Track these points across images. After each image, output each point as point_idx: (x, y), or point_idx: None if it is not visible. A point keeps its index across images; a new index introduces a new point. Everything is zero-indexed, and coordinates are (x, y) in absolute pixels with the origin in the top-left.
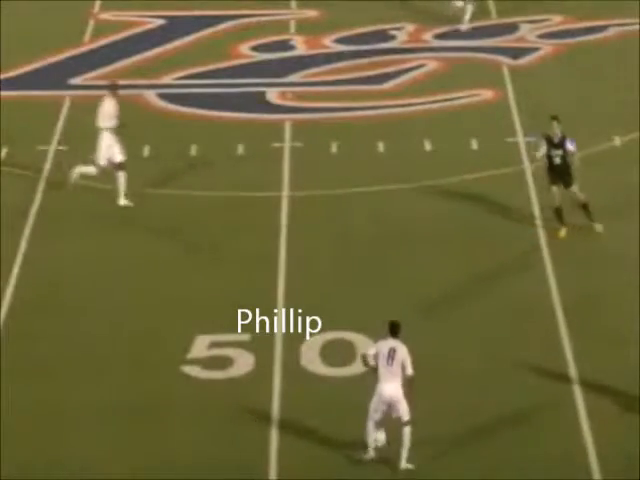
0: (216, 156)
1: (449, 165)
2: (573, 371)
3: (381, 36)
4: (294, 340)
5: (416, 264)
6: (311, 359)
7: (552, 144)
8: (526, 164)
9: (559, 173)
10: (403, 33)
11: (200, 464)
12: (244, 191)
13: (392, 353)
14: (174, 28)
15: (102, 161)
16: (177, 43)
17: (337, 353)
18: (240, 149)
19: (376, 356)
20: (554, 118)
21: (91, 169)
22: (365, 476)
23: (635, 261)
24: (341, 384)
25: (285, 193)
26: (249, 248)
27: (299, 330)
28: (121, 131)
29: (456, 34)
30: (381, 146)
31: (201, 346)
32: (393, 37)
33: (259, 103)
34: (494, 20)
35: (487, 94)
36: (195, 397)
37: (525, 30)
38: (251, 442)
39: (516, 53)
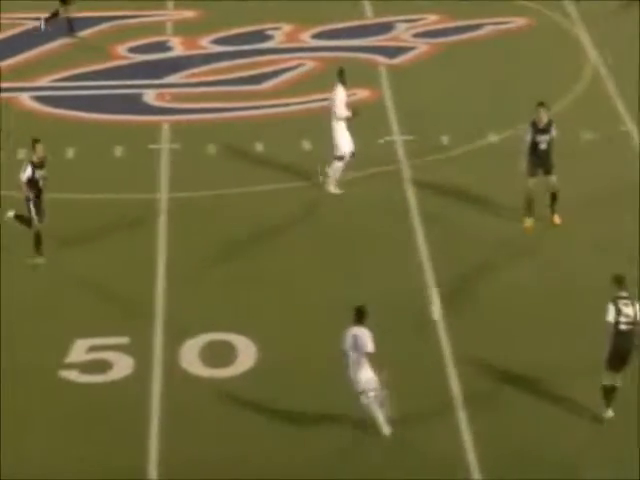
0: (93, 159)
1: (326, 164)
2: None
3: (258, 36)
4: (174, 342)
5: (294, 264)
6: (191, 361)
7: (537, 129)
8: (403, 160)
9: (543, 159)
10: (280, 33)
11: (81, 468)
12: (122, 193)
13: (355, 339)
14: (51, 29)
15: None
16: (54, 45)
17: (217, 354)
18: (118, 151)
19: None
20: (541, 104)
21: None
22: (248, 475)
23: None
24: (222, 385)
25: (164, 195)
26: (127, 250)
27: (179, 332)
28: None
29: (333, 34)
30: (259, 146)
31: (79, 350)
32: (270, 37)
33: (136, 105)
34: (370, 20)
35: (364, 93)
36: (74, 401)
37: (401, 29)
38: (132, 444)
39: (392, 52)
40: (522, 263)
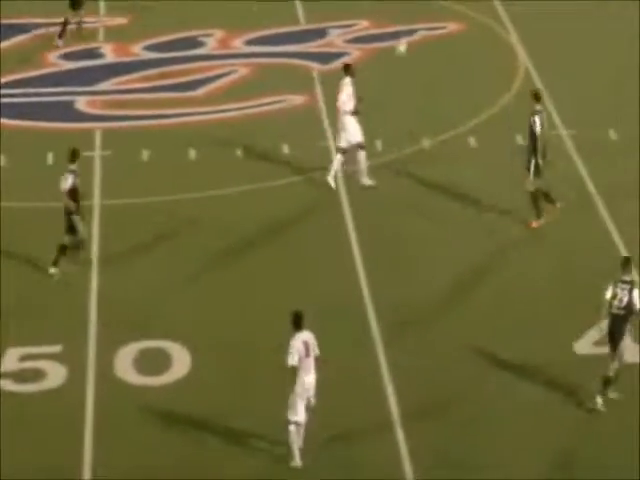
0: (25, 166)
1: (260, 170)
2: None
3: (191, 43)
4: (107, 350)
5: (235, 269)
6: (125, 369)
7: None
8: (336, 165)
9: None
10: (213, 39)
11: (14, 475)
12: (54, 201)
13: (307, 345)
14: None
15: None
16: None
17: (151, 362)
18: (50, 158)
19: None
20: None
21: None
22: None
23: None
24: (156, 393)
25: (96, 202)
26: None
27: (112, 340)
28: None
29: (266, 40)
30: (192, 153)
31: (12, 359)
32: (203, 43)
33: (68, 112)
34: (303, 25)
35: (297, 99)
36: (7, 410)
37: (333, 35)
38: (65, 453)
39: (325, 57)
40: (466, 276)
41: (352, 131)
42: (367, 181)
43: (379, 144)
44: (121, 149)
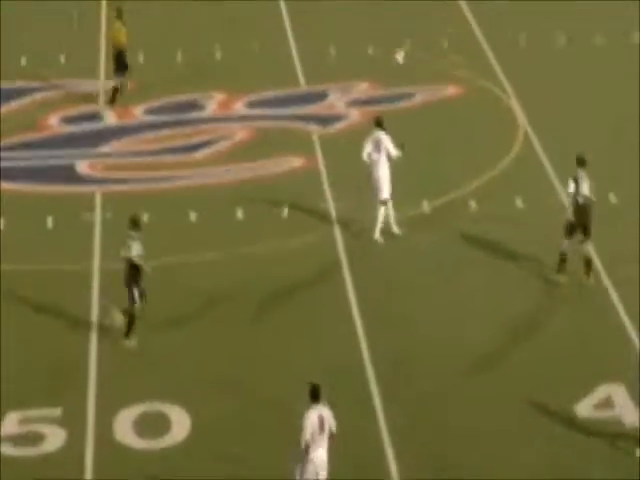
0: (25, 229)
1: (260, 233)
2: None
3: (191, 105)
4: (106, 414)
5: (230, 334)
6: (125, 432)
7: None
8: (336, 229)
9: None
10: (213, 102)
11: None
12: (54, 264)
13: (322, 420)
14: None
15: None
16: None
17: (151, 425)
18: (49, 222)
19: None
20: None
21: None
22: None
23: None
24: (156, 456)
25: (96, 265)
26: (60, 321)
27: (112, 403)
28: None
29: (266, 102)
30: (193, 215)
31: (11, 423)
32: (203, 106)
33: (69, 174)
34: (303, 88)
35: (298, 161)
36: (7, 475)
37: (334, 97)
38: None
39: (325, 120)
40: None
41: (387, 184)
42: (379, 237)
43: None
44: (121, 212)
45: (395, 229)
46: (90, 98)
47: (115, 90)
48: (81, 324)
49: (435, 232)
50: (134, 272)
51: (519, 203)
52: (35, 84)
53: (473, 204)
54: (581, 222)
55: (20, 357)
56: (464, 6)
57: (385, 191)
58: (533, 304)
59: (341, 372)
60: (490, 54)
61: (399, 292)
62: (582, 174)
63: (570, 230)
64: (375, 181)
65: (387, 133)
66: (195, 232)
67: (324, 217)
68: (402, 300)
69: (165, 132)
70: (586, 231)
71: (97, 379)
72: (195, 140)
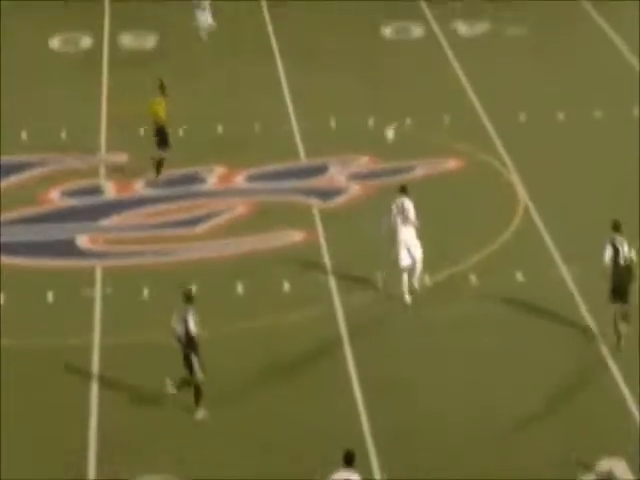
0: (25, 304)
1: (261, 307)
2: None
3: (192, 179)
4: None
5: (234, 409)
6: None
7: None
8: (337, 303)
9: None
10: (214, 176)
11: None
12: (55, 339)
13: None
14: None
15: None
16: None
17: None
18: (50, 297)
19: None
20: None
21: None
22: None
23: None
24: None
25: (96, 340)
26: (60, 398)
27: (112, 474)
28: None
29: (267, 176)
30: (193, 289)
31: None
32: (204, 180)
33: (69, 249)
34: (303, 161)
35: (298, 235)
36: None
37: (334, 171)
38: None
39: (326, 194)
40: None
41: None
42: (408, 299)
43: (379, 279)
44: (122, 286)
45: (407, 298)
46: (91, 172)
47: (159, 163)
48: (82, 399)
49: (436, 306)
50: (191, 343)
51: (519, 277)
52: (35, 158)
53: (474, 278)
54: (622, 285)
55: (20, 432)
56: (464, 81)
57: (407, 257)
58: (536, 376)
59: (341, 445)
60: (490, 128)
61: (400, 364)
62: (619, 238)
63: (614, 295)
64: (398, 247)
65: (411, 200)
66: (195, 306)
67: (324, 291)
68: (404, 372)
69: (165, 206)
70: (626, 295)
71: (97, 453)
72: (195, 214)
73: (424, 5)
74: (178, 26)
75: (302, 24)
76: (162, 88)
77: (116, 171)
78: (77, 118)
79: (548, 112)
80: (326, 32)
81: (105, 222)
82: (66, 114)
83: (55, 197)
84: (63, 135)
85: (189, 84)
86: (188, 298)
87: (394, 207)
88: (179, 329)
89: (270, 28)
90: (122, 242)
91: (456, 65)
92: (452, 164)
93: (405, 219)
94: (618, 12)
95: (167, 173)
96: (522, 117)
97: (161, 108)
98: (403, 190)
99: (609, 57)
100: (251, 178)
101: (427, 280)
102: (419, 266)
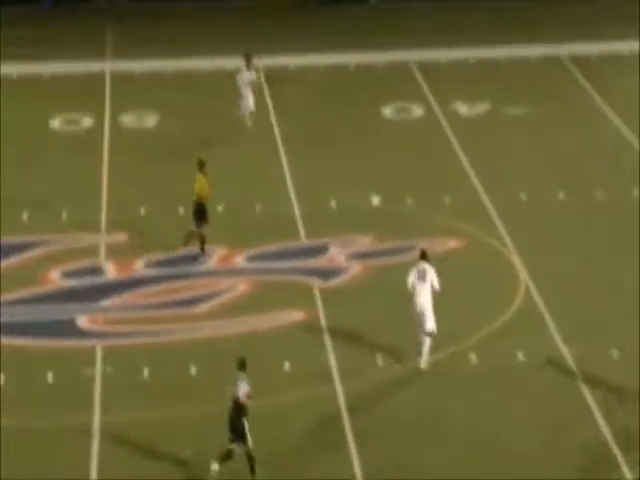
0: (25, 384)
1: (261, 387)
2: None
3: (192, 259)
4: None
5: None
6: None
7: None
8: (337, 382)
9: None
10: (214, 255)
11: None
12: (55, 419)
13: None
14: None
15: None
16: None
17: None
18: (50, 377)
19: None
20: None
21: None
22: None
23: None
24: None
25: (97, 419)
26: (60, 478)
27: None
28: None
29: (267, 256)
30: (193, 369)
31: None
32: (204, 260)
33: (69, 329)
34: (304, 241)
35: (298, 315)
36: None
37: (335, 251)
38: None
39: (326, 274)
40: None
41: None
42: (424, 364)
43: (380, 359)
44: (122, 366)
45: (422, 363)
46: (91, 252)
47: (202, 239)
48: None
49: (436, 386)
50: (241, 411)
51: (520, 357)
52: (36, 238)
53: (474, 357)
54: None
55: None
56: (465, 160)
57: (430, 322)
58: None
59: None
60: (491, 207)
61: (401, 443)
62: None
63: None
64: (419, 312)
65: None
66: (195, 386)
67: (325, 371)
68: (404, 451)
69: (166, 286)
70: None
71: None
72: (196, 293)
73: (424, 86)
74: (179, 106)
75: (302, 105)
76: (201, 166)
77: (116, 251)
78: (78, 198)
79: (548, 191)
80: (327, 113)
81: (105, 302)
82: (66, 194)
83: (55, 277)
84: (64, 215)
85: (189, 164)
86: (241, 366)
87: (415, 272)
88: (232, 393)
89: (271, 111)
90: (122, 322)
91: (456, 145)
92: (453, 244)
93: (424, 284)
94: (617, 92)
95: (167, 253)
96: (523, 196)
97: (202, 185)
98: (423, 255)
99: (609, 137)
100: (252, 258)
101: (424, 365)
102: (428, 341)
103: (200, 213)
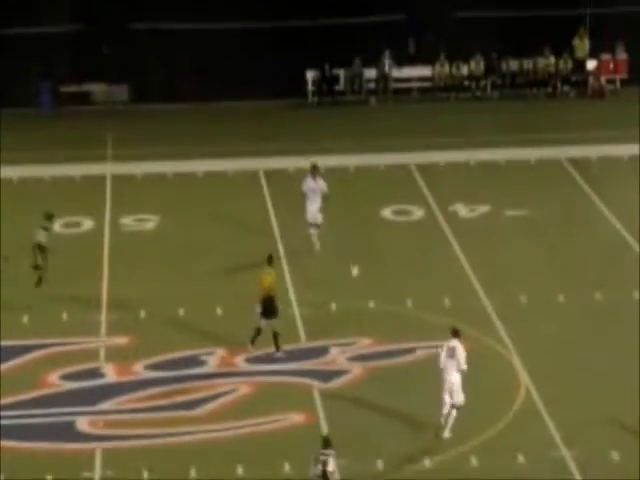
0: None
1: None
2: None
3: (192, 361)
4: None
5: None
6: None
7: None
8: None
9: None
10: (214, 358)
11: None
12: None
13: None
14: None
15: None
16: None
17: None
18: None
19: None
20: None
21: None
22: None
23: None
24: None
25: None
26: None
27: None
28: None
29: (267, 358)
30: (193, 472)
31: None
32: (204, 362)
33: (69, 432)
34: (303, 343)
35: (298, 418)
36: None
37: (335, 353)
38: None
39: (326, 376)
40: None
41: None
42: (447, 434)
43: (380, 463)
44: (122, 469)
45: (446, 433)
46: (91, 355)
47: (275, 335)
48: None
49: None
50: None
51: (521, 459)
52: (36, 341)
53: (474, 460)
54: None
55: None
56: (464, 262)
57: (458, 396)
58: None
59: None
60: (491, 310)
61: None
62: None
63: None
64: (447, 387)
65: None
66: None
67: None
68: None
69: (166, 388)
70: None
71: None
72: (195, 396)
73: (424, 188)
74: (178, 208)
75: (302, 205)
76: (270, 260)
77: (116, 353)
78: (78, 300)
79: (548, 294)
80: (327, 214)
81: (105, 405)
82: (67, 296)
83: (55, 380)
84: (64, 318)
85: (189, 265)
86: (327, 443)
87: (445, 349)
88: (314, 472)
89: (271, 210)
90: (122, 425)
91: (456, 246)
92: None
93: (452, 361)
94: (617, 195)
95: (167, 356)
96: (523, 298)
97: (270, 279)
98: (455, 334)
99: (608, 238)
100: (251, 360)
101: (427, 463)
102: (454, 413)
103: (271, 308)
